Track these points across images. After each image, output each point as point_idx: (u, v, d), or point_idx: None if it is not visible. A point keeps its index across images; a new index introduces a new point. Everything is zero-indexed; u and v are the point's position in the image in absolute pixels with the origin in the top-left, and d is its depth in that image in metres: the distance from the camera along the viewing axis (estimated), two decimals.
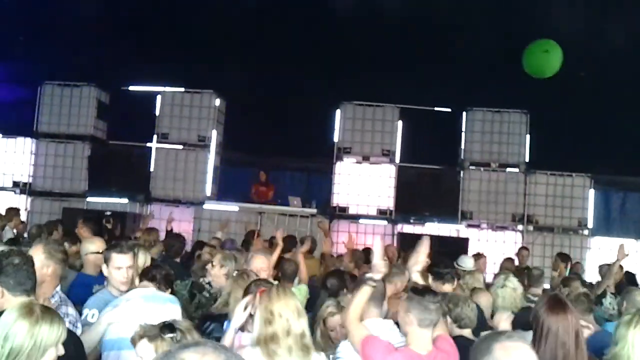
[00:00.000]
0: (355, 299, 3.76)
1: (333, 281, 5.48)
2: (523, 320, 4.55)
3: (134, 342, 2.98)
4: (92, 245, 5.15)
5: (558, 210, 13.29)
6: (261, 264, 4.91)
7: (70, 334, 3.20)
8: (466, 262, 7.32)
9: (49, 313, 2.83)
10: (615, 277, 8.25)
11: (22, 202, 13.52)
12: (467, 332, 4.42)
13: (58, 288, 4.07)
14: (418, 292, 3.67)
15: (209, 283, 5.27)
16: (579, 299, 5.25)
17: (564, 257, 9.48)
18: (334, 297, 4.89)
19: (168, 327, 2.99)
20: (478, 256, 9.48)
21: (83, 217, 8.04)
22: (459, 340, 4.13)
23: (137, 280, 4.34)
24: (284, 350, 3.21)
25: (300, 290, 5.89)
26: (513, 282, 5.92)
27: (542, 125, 13.48)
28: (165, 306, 4.07)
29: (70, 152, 13.90)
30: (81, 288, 4.77)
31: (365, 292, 3.75)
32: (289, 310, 3.30)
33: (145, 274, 4.28)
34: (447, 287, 5.23)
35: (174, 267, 5.20)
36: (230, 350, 1.75)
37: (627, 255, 7.78)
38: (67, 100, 14.01)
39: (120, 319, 3.87)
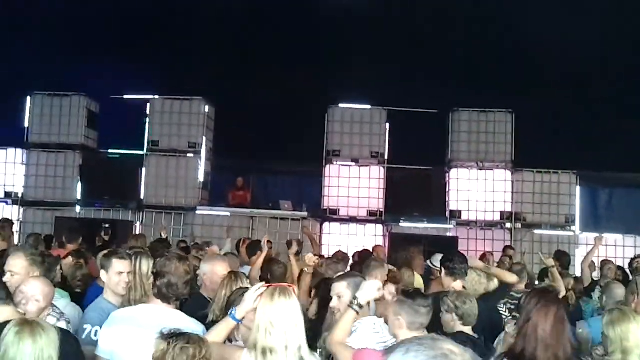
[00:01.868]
0: (342, 322, 3.72)
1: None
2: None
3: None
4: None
5: (545, 207, 13.48)
6: (223, 271, 4.77)
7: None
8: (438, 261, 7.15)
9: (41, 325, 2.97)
10: (610, 274, 8.40)
11: (14, 213, 13.58)
12: (468, 329, 4.48)
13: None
14: (409, 295, 3.74)
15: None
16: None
17: (557, 254, 9.62)
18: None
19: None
20: (484, 256, 9.67)
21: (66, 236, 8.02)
22: (458, 336, 4.21)
23: (139, 290, 4.42)
24: None
25: None
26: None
27: (528, 123, 13.66)
28: None
29: (62, 161, 13.96)
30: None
31: (350, 316, 3.73)
32: (289, 320, 3.24)
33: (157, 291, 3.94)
34: (458, 284, 5.18)
35: None
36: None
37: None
38: (57, 110, 14.09)
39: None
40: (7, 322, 3.05)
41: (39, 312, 3.73)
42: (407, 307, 3.63)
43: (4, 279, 3.97)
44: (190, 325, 3.55)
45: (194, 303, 4.56)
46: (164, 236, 7.92)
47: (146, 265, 4.52)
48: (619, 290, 5.62)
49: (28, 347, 2.89)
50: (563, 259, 9.28)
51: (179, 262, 3.82)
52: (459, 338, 4.05)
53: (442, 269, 5.35)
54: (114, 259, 4.40)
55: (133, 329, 3.64)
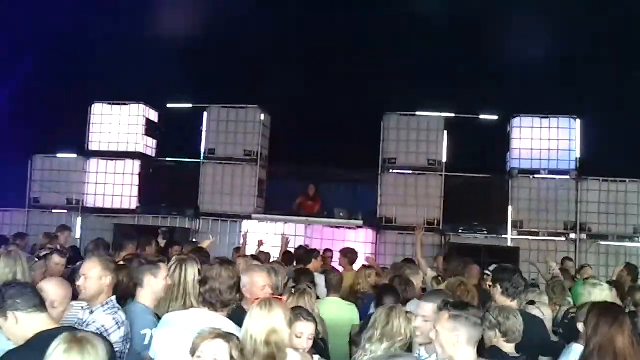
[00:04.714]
0: None
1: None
2: None
3: (201, 341, 3.05)
4: None
5: (612, 217, 12.91)
6: (262, 282, 4.61)
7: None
8: None
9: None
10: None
11: (75, 220, 13.84)
12: (510, 347, 4.18)
13: (113, 297, 4.21)
14: (459, 307, 3.44)
15: None
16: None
17: (627, 267, 9.20)
18: None
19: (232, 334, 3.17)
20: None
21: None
22: (492, 352, 4.03)
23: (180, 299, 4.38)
24: None
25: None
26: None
27: (594, 130, 13.17)
28: None
29: (121, 169, 14.18)
30: None
31: None
32: (260, 329, 3.39)
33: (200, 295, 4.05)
34: (514, 304, 4.87)
35: None
36: None
37: None
38: (116, 119, 14.32)
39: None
40: (45, 332, 2.98)
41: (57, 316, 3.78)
42: (465, 320, 3.32)
43: (78, 283, 4.20)
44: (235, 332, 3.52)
45: (233, 317, 4.41)
46: (204, 245, 7.92)
47: (192, 273, 4.48)
48: None
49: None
50: (633, 271, 8.87)
51: (221, 268, 3.81)
52: (492, 354, 3.88)
53: (497, 285, 4.96)
54: (163, 264, 4.50)
55: (175, 331, 3.73)
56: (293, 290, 4.79)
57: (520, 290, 4.97)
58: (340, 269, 8.52)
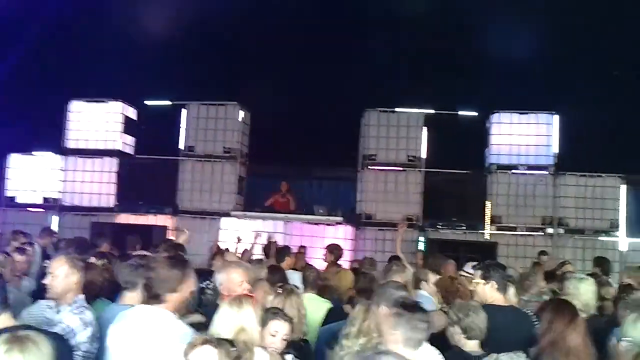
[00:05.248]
0: None
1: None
2: None
3: (190, 349, 2.99)
4: None
5: (589, 212, 13.01)
6: (239, 278, 4.62)
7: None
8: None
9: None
10: None
11: (52, 218, 13.71)
12: (473, 344, 4.12)
13: (81, 296, 4.17)
14: (408, 308, 3.43)
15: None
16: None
17: (598, 261, 9.22)
18: None
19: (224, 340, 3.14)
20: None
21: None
22: (451, 353, 4.01)
23: None
24: None
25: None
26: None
27: (572, 126, 13.27)
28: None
29: (99, 167, 14.06)
30: None
31: None
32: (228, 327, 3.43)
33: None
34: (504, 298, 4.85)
35: None
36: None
37: None
38: (94, 116, 14.19)
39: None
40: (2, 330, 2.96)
41: None
42: (404, 322, 3.33)
43: (45, 281, 4.20)
44: (178, 327, 3.51)
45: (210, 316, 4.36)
46: (181, 241, 7.93)
47: None
48: None
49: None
50: (604, 265, 8.88)
51: (160, 260, 3.79)
52: (450, 355, 3.89)
53: (492, 282, 4.74)
54: None
55: (123, 326, 3.67)
56: (280, 290, 4.73)
57: (508, 284, 4.99)
58: (324, 265, 8.57)
